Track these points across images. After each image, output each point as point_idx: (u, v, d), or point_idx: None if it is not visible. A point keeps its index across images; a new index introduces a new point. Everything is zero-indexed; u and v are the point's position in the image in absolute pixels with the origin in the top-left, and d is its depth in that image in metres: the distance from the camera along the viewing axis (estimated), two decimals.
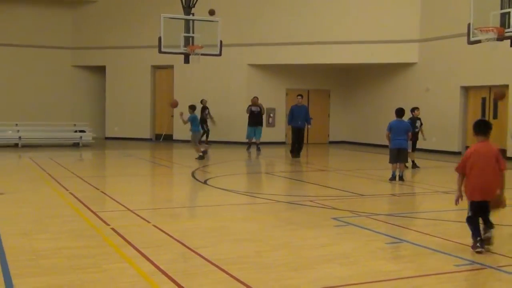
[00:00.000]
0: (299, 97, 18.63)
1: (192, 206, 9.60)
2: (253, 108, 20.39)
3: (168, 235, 7.05)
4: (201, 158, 16.76)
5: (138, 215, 8.35)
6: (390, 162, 12.75)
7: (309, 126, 18.68)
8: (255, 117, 20.36)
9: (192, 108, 17.52)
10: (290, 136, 19.11)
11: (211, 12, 17.87)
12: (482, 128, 6.57)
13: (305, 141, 18.66)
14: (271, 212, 9.07)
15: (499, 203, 6.58)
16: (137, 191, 11.50)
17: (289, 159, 18.16)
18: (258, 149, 20.02)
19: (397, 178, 12.60)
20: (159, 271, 5.50)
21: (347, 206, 9.43)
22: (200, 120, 20.13)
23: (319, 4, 22.58)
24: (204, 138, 21.79)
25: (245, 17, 23.46)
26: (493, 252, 6.41)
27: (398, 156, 12.56)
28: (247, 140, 20.59)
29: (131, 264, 5.75)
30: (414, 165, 15.21)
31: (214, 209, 9.27)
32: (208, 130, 22.54)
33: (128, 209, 8.78)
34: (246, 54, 23.50)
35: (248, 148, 20.40)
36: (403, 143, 12.63)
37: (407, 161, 12.84)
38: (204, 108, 22.62)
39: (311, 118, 18.80)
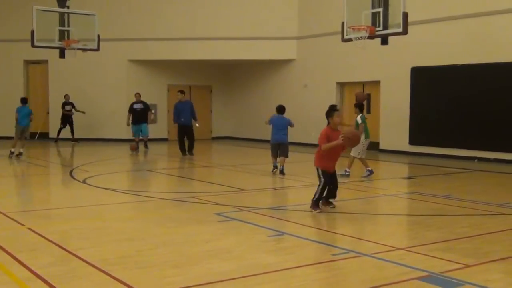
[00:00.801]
0: (180, 93, 17.93)
1: (70, 206, 9.22)
2: (136, 106, 19.44)
3: (45, 238, 6.74)
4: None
5: (11, 218, 7.91)
6: (271, 156, 13.24)
7: (196, 124, 17.98)
8: (139, 114, 19.30)
9: (23, 101, 16.98)
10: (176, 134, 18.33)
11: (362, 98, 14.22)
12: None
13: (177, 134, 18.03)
14: (153, 210, 8.95)
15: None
16: (9, 192, 10.88)
17: (172, 156, 17.99)
18: (146, 146, 19.28)
19: (278, 171, 12.99)
20: (35, 276, 5.23)
21: (230, 201, 9.52)
22: (61, 116, 21.98)
23: (197, 1, 22.56)
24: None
25: (125, 11, 22.95)
26: (367, 240, 6.74)
27: (279, 150, 13.02)
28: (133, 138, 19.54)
29: (4, 271, 5.43)
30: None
31: (93, 209, 8.99)
32: (68, 126, 22.31)
33: (0, 212, 8.28)
34: (125, 49, 22.99)
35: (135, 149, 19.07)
36: (284, 137, 13.06)
37: (287, 156, 13.20)
38: (65, 104, 22.05)
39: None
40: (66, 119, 22.33)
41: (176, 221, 7.89)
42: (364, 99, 13.97)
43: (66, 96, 22.30)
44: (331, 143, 8.34)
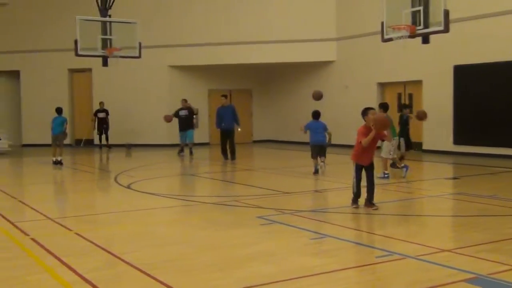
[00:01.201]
0: (223, 97, 17.92)
1: (115, 211, 9.40)
2: (181, 112, 19.54)
3: (91, 242, 6.89)
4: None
5: (59, 224, 8.11)
6: (312, 157, 13.59)
7: (238, 128, 17.80)
8: (184, 121, 19.42)
9: (58, 111, 17.13)
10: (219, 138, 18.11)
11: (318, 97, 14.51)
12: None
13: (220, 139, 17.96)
14: (196, 214, 9.04)
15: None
16: (56, 198, 11.15)
17: (214, 160, 18.13)
18: (191, 153, 19.18)
19: (319, 171, 13.38)
20: (82, 280, 5.36)
21: (272, 204, 9.54)
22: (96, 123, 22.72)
23: (238, 4, 22.73)
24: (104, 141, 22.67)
25: (165, 18, 23.26)
26: (411, 242, 6.66)
27: (319, 151, 13.50)
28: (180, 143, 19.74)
29: (52, 275, 5.58)
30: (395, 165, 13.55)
31: (138, 214, 9.13)
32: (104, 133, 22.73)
33: (48, 218, 8.51)
34: (166, 55, 23.30)
35: (179, 152, 19.42)
36: (323, 139, 13.60)
37: (325, 156, 13.59)
38: (99, 111, 22.67)
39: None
40: (101, 126, 22.69)
41: (219, 225, 7.96)
42: (319, 96, 14.01)
43: (101, 103, 22.69)
44: (368, 136, 8.69)
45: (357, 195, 8.92)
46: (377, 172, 9.75)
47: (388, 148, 12.60)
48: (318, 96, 14.07)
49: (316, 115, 13.74)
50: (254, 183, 12.98)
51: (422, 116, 13.68)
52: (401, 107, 15.01)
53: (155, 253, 6.41)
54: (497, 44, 16.53)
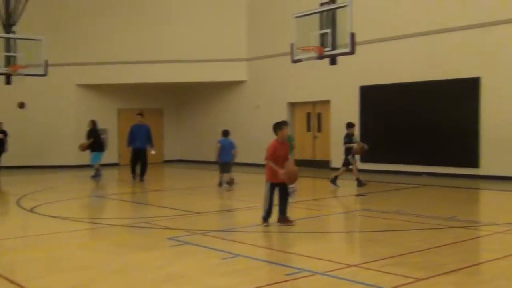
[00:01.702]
0: (139, 115, 17.12)
1: (19, 236, 8.96)
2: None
3: None
4: None
5: None
6: (219, 172, 14.86)
7: (151, 151, 17.12)
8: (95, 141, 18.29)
9: None
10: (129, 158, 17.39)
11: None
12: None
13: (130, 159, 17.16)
14: (104, 237, 8.79)
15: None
16: None
17: (123, 181, 17.72)
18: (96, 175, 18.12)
19: (224, 185, 14.58)
20: None
21: (183, 225, 9.43)
22: None
23: (148, 23, 22.53)
24: None
25: (72, 35, 22.66)
26: (320, 259, 6.77)
27: (225, 168, 14.75)
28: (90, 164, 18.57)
29: None
30: (360, 183, 14.37)
31: (43, 238, 8.74)
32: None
33: None
34: (74, 73, 22.67)
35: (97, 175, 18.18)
36: (228, 157, 14.71)
37: (230, 172, 14.76)
38: None
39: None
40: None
41: (128, 247, 7.76)
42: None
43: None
44: (274, 165, 8.81)
45: (268, 213, 8.95)
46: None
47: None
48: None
49: (225, 133, 14.87)
50: (165, 204, 12.81)
51: (358, 151, 14.28)
52: (347, 125, 15.28)
53: (62, 279, 6.15)
54: (400, 66, 17.35)
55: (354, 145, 14.35)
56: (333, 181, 14.52)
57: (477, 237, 8.33)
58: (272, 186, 8.98)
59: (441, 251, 7.16)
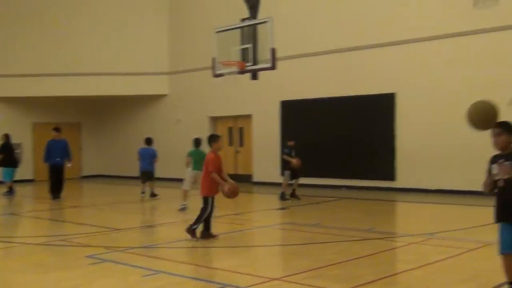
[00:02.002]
0: (54, 131, 16.32)
1: None
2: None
3: None
4: None
5: None
6: (141, 182, 15.18)
7: (68, 165, 16.32)
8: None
9: None
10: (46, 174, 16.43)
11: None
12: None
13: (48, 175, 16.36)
14: (17, 257, 8.40)
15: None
16: None
17: (39, 198, 17.05)
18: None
19: (146, 196, 14.92)
20: None
21: (102, 242, 9.18)
22: None
23: (66, 35, 21.91)
24: None
25: None
26: (243, 273, 6.77)
27: (146, 177, 15.08)
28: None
29: None
30: (294, 195, 14.74)
31: None
32: None
33: None
34: None
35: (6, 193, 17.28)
36: (148, 166, 15.07)
37: (152, 181, 15.19)
38: None
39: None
40: None
41: (44, 267, 7.46)
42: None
43: None
44: (219, 178, 8.94)
45: (197, 227, 8.93)
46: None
47: (187, 180, 12.76)
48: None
49: (147, 141, 15.23)
50: (83, 220, 12.43)
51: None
52: (288, 139, 15.40)
53: None
54: (319, 81, 17.75)
55: (293, 161, 14.46)
56: (282, 197, 14.55)
57: (393, 248, 8.60)
58: (211, 200, 9.02)
59: (359, 262, 7.33)
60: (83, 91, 22.21)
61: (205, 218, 8.96)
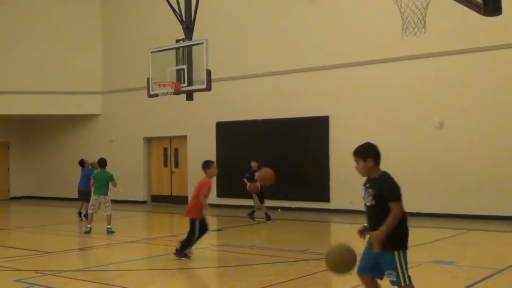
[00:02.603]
0: None
1: None
2: None
3: None
4: None
5: None
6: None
7: None
8: None
9: None
10: None
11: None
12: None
13: None
14: None
15: None
16: None
17: None
18: None
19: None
20: None
21: (32, 265, 8.87)
22: None
23: None
24: None
25: None
26: None
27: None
28: None
29: None
30: (268, 218, 14.46)
31: None
32: None
33: None
34: None
35: None
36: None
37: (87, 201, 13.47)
38: None
39: None
40: None
41: None
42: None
43: None
44: (205, 203, 9.21)
45: (187, 248, 9.18)
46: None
47: (91, 203, 12.70)
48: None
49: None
50: (11, 243, 11.97)
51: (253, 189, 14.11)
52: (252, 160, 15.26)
53: None
54: (254, 103, 17.91)
55: (248, 185, 14.38)
56: (251, 215, 14.58)
57: None
58: (198, 223, 9.19)
59: (295, 284, 7.39)
60: (11, 110, 21.46)
61: (196, 239, 9.21)
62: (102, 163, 12.94)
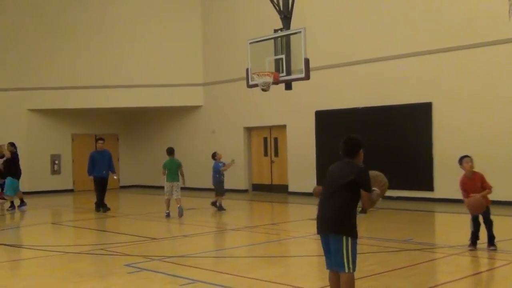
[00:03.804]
0: (101, 141, 15.97)
1: None
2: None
3: None
4: None
5: None
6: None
7: (114, 176, 16.26)
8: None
9: None
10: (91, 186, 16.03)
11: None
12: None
13: (93, 187, 16.17)
14: (59, 265, 8.56)
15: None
16: None
17: (78, 208, 17.34)
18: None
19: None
20: None
21: (140, 251, 9.29)
22: None
23: (105, 47, 22.34)
24: None
25: (24, 60, 22.24)
26: (280, 283, 6.76)
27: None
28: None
29: None
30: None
31: None
32: None
33: None
34: (25, 98, 22.20)
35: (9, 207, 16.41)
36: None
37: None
38: None
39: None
40: None
41: (83, 275, 7.59)
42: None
43: None
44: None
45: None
46: None
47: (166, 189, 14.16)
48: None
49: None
50: (121, 230, 12.60)
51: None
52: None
53: None
54: (354, 91, 17.66)
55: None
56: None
57: (432, 260, 8.46)
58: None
59: (397, 274, 7.25)
60: (120, 103, 22.57)
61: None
62: (170, 151, 14.54)
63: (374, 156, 17.14)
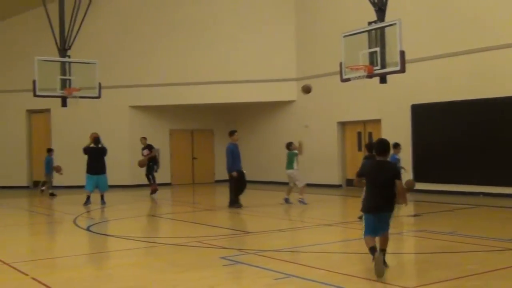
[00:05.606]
0: (234, 133, 15.66)
1: (74, 255, 9.14)
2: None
3: (48, 287, 6.65)
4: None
5: (15, 268, 7.83)
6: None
7: (244, 171, 15.44)
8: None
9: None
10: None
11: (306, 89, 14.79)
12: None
13: (190, 181, 16.37)
14: (157, 256, 8.87)
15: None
16: (13, 242, 10.81)
17: (175, 200, 17.84)
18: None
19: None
20: None
21: (236, 244, 9.44)
22: None
23: (200, 44, 22.90)
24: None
25: (125, 58, 23.22)
26: (375, 281, 6.64)
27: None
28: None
29: None
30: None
31: (97, 257, 8.92)
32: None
33: (4, 263, 8.21)
34: (127, 95, 23.19)
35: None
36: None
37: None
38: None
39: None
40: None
41: (181, 267, 7.81)
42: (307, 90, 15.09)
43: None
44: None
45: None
46: None
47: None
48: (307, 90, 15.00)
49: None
50: (217, 223, 12.86)
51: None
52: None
53: None
54: (452, 83, 17.02)
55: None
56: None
57: None
58: None
59: (501, 274, 6.92)
60: (215, 99, 23.04)
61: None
62: (287, 145, 15.64)
63: (472, 150, 16.50)
